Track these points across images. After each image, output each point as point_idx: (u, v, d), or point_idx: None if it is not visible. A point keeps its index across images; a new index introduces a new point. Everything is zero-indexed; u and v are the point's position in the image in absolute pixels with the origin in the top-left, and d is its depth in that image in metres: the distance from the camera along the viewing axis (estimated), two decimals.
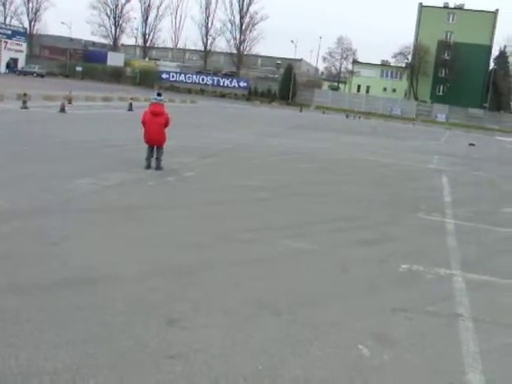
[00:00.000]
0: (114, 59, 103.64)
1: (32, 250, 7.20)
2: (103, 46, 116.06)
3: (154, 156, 14.48)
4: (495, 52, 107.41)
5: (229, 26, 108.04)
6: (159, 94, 14.95)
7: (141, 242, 8.06)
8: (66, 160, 14.56)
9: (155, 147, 14.48)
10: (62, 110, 29.06)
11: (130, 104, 36.37)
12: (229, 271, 7.19)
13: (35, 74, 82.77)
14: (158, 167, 14.40)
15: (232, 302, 6.14)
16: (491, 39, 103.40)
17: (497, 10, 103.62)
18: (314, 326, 5.76)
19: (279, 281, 7.04)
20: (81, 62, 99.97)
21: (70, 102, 33.95)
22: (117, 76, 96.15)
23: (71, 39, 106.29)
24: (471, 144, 39.43)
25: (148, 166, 14.37)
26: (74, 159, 14.78)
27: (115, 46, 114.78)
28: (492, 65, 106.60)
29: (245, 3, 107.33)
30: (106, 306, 5.72)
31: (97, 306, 5.68)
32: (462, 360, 5.40)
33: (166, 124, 14.60)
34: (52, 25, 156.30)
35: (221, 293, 6.39)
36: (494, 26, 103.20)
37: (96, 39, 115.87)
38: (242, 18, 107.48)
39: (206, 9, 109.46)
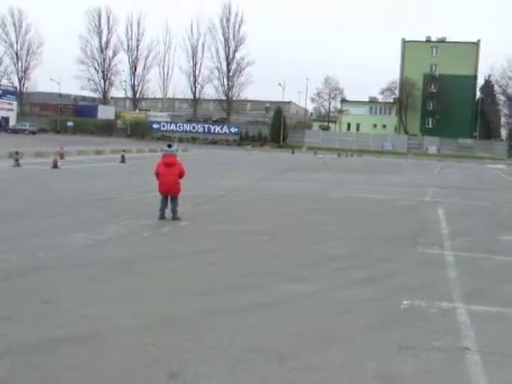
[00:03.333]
0: (105, 112, 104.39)
1: (24, 309, 7.08)
2: (93, 99, 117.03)
3: (170, 207, 14.51)
4: (480, 81, 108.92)
5: (216, 73, 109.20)
6: (170, 146, 15.13)
7: (136, 296, 7.94)
8: (59, 215, 14.49)
9: (169, 198, 14.54)
10: (55, 165, 29.12)
11: (123, 156, 36.51)
12: (228, 319, 7.06)
13: (27, 132, 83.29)
14: (175, 218, 14.45)
15: (233, 351, 6.02)
16: (475, 69, 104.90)
17: (478, 41, 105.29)
18: (319, 370, 5.63)
19: (280, 326, 6.91)
20: (71, 117, 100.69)
21: (62, 158, 34.04)
22: (108, 129, 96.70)
23: (61, 95, 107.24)
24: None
25: (162, 217, 14.39)
26: (67, 214, 14.71)
27: (105, 99, 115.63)
28: (478, 94, 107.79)
29: (231, 50, 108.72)
30: (103, 362, 5.59)
31: (94, 364, 5.54)
32: None
33: (181, 174, 14.73)
34: (41, 82, 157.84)
35: (221, 342, 6.26)
36: (477, 56, 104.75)
37: (86, 93, 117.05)
38: (228, 64, 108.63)
39: (192, 57, 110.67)
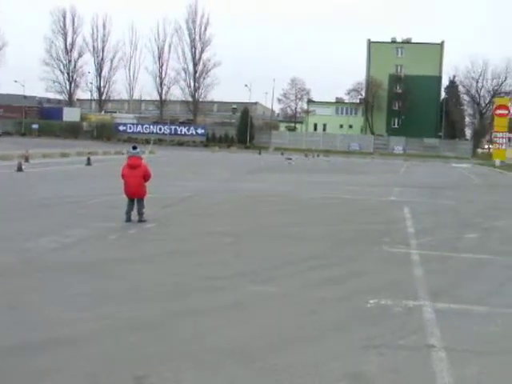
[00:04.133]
0: (70, 114, 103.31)
1: None
2: (58, 101, 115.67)
3: (136, 210, 14.43)
4: (445, 82, 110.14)
5: (183, 74, 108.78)
6: (134, 148, 15.07)
7: (103, 299, 7.87)
8: (25, 219, 14.31)
9: (135, 200, 14.46)
10: (20, 169, 28.71)
11: (88, 159, 36.20)
12: (195, 321, 7.04)
13: None
14: (141, 220, 14.37)
15: (201, 353, 6.00)
16: (440, 70, 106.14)
17: (442, 42, 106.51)
18: (287, 370, 5.63)
19: (247, 327, 6.91)
20: (36, 120, 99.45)
21: (27, 161, 33.64)
22: (74, 131, 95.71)
23: (25, 97, 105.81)
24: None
25: (128, 219, 14.31)
26: (33, 218, 14.54)
27: (71, 102, 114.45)
28: (443, 94, 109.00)
29: (197, 51, 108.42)
30: (68, 367, 5.53)
31: (59, 369, 5.48)
32: None
33: (146, 176, 14.64)
34: (5, 83, 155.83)
35: (188, 344, 6.24)
36: (441, 57, 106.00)
37: (51, 95, 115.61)
38: (195, 65, 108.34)
39: (159, 59, 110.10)
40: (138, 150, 15.08)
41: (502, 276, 10.33)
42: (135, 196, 14.45)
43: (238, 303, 7.89)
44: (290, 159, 46.06)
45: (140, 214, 14.46)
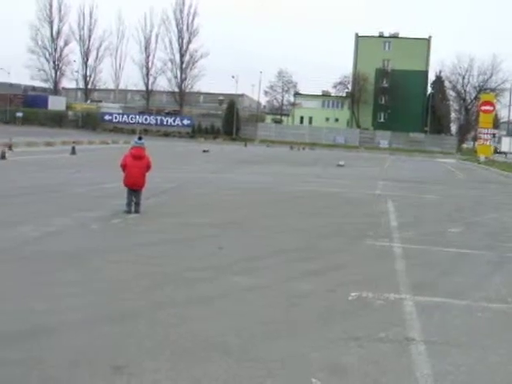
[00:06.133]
0: (56, 103, 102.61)
1: None
2: (44, 90, 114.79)
3: (134, 200, 14.31)
4: (432, 77, 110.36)
5: (169, 64, 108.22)
6: (140, 138, 14.97)
7: (83, 289, 7.82)
8: (7, 207, 14.21)
9: (134, 191, 14.37)
10: (3, 157, 28.57)
11: (73, 148, 35.94)
12: (175, 312, 7.01)
13: None
14: (137, 211, 14.27)
15: (180, 344, 5.97)
16: (427, 65, 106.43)
17: (430, 37, 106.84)
18: (266, 362, 5.63)
19: (227, 319, 6.89)
20: (21, 108, 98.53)
21: (10, 149, 33.41)
22: (59, 120, 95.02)
23: (10, 84, 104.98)
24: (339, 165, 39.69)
25: (129, 211, 14.17)
26: (14, 206, 14.44)
27: (56, 90, 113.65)
28: (430, 89, 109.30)
29: (184, 42, 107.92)
30: (47, 358, 5.48)
31: (37, 359, 5.43)
32: None
33: (148, 167, 14.59)
34: None
35: (167, 335, 6.21)
36: (428, 52, 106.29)
37: (36, 83, 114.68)
38: (182, 56, 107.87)
39: (145, 49, 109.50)
40: (143, 140, 14.97)
41: (483, 270, 10.38)
42: (136, 187, 14.29)
43: (219, 295, 7.87)
44: (207, 151, 47.28)
45: (137, 204, 14.35)
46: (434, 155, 78.58)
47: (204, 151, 46.05)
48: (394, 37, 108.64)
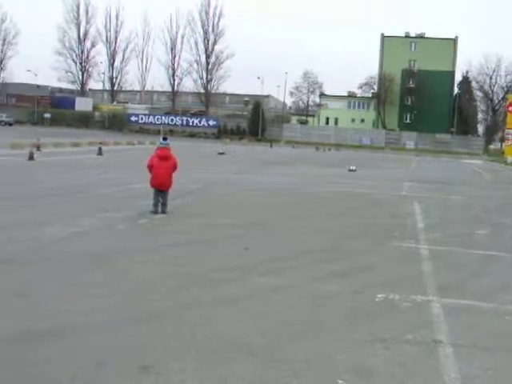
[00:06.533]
0: (82, 104, 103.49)
1: None
2: (71, 91, 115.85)
3: (161, 201, 14.41)
4: (458, 77, 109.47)
5: (195, 66, 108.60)
6: (165, 139, 15.14)
7: (109, 289, 7.87)
8: (34, 208, 14.34)
9: (161, 192, 14.47)
10: (31, 157, 28.81)
11: (100, 149, 36.19)
12: (200, 312, 7.03)
13: (3, 123, 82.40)
14: (164, 211, 14.36)
15: (206, 344, 5.99)
16: (453, 65, 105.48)
17: (456, 37, 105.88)
18: (291, 363, 5.62)
19: (252, 319, 6.90)
20: (49, 109, 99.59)
21: (38, 150, 33.73)
22: (85, 121, 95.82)
23: (38, 86, 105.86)
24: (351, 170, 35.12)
25: (156, 212, 14.26)
26: (42, 207, 14.57)
27: (83, 91, 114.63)
28: (456, 90, 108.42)
29: (210, 43, 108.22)
30: (75, 356, 5.54)
31: (66, 358, 5.49)
32: None
33: (175, 168, 14.68)
34: (18, 72, 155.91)
35: (194, 335, 6.24)
36: (455, 53, 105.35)
37: (63, 85, 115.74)
38: (207, 57, 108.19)
39: (171, 50, 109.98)
40: (168, 141, 15.05)
41: (511, 272, 10.28)
42: (163, 187, 14.38)
43: (245, 295, 7.88)
44: (223, 153, 44.59)
45: (164, 205, 14.44)
46: (460, 156, 77.89)
47: (219, 153, 44.11)
48: (420, 37, 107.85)
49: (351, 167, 34.75)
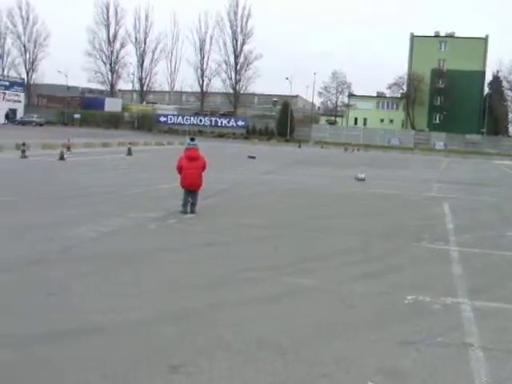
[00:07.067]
0: (112, 105, 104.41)
1: (28, 301, 7.09)
2: (100, 92, 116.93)
3: (190, 201, 14.55)
4: (489, 77, 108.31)
5: (224, 66, 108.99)
6: (193, 139, 15.24)
7: (141, 288, 7.93)
8: (65, 208, 14.47)
9: (191, 192, 14.60)
10: (62, 157, 29.13)
11: (129, 149, 36.46)
12: (231, 312, 7.07)
13: (34, 124, 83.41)
14: (193, 211, 14.49)
15: (235, 344, 6.01)
16: (484, 65, 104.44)
17: (487, 36, 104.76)
18: (320, 364, 5.62)
19: (282, 319, 6.90)
20: (79, 110, 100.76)
21: (69, 150, 34.07)
22: (115, 121, 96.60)
23: (68, 87, 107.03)
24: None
25: (185, 212, 14.38)
26: (72, 207, 14.69)
27: (112, 92, 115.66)
28: (487, 90, 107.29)
29: (238, 43, 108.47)
30: (107, 355, 5.59)
31: (98, 356, 5.55)
32: None
33: (204, 167, 14.80)
34: (48, 74, 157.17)
35: (224, 335, 6.26)
36: (485, 52, 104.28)
37: (93, 86, 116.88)
38: (236, 57, 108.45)
39: (200, 50, 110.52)
40: (196, 141, 15.15)
41: None
42: (193, 188, 14.51)
43: (275, 296, 7.88)
44: (254, 157, 40.42)
45: (193, 205, 14.55)
46: (490, 157, 76.99)
47: (250, 157, 40.47)
48: (450, 36, 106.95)
49: (360, 175, 28.22)
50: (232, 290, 8.09)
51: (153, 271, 8.91)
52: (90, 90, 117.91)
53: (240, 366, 5.50)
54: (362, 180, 27.54)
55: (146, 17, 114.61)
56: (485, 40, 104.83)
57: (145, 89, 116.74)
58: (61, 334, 6.08)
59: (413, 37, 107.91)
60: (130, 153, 35.82)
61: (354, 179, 27.56)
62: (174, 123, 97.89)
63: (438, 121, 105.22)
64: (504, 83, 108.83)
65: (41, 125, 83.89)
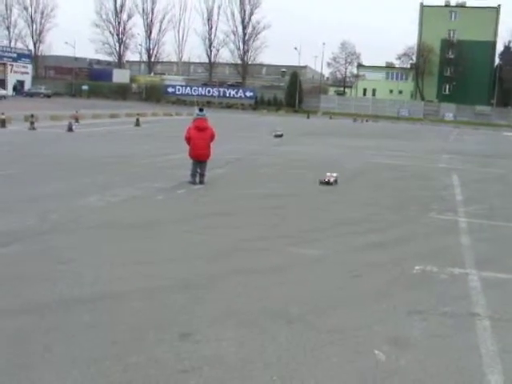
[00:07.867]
0: (120, 76, 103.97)
1: (40, 270, 7.17)
2: (108, 63, 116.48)
3: (199, 171, 14.63)
4: (500, 47, 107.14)
5: (232, 36, 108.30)
6: (201, 110, 15.27)
7: (150, 257, 8.00)
8: (74, 178, 14.52)
9: (200, 163, 14.68)
10: (70, 129, 29.16)
11: (137, 120, 36.43)
12: (239, 281, 7.12)
13: (42, 95, 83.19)
14: (202, 182, 14.60)
15: (244, 313, 6.07)
16: (495, 35, 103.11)
17: (499, 6, 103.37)
18: (328, 333, 5.67)
19: (290, 289, 6.95)
20: (86, 81, 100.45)
21: (77, 121, 34.06)
22: (123, 93, 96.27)
23: (76, 58, 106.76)
24: None
25: (194, 182, 14.48)
26: (81, 177, 14.74)
27: (120, 63, 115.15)
28: (497, 60, 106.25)
29: (246, 13, 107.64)
30: (116, 322, 5.66)
31: (107, 324, 5.62)
32: (480, 361, 5.29)
33: (212, 138, 14.90)
34: (56, 45, 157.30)
35: (232, 304, 6.32)
36: (497, 22, 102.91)
37: (100, 57, 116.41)
38: (244, 28, 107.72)
39: (208, 21, 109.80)
40: (205, 112, 15.15)
41: None
42: (202, 158, 14.62)
43: (282, 265, 7.93)
44: (281, 135, 33.40)
45: (202, 175, 14.65)
46: (500, 128, 76.49)
47: (276, 136, 33.51)
48: (461, 6, 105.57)
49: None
50: (241, 260, 8.14)
51: (161, 241, 8.97)
52: (98, 62, 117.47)
53: (249, 334, 5.55)
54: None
55: None
56: (496, 10, 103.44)
57: (152, 60, 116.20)
58: (71, 301, 6.15)
59: (422, 7, 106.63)
60: (138, 124, 35.79)
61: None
62: (182, 94, 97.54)
63: (447, 92, 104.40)
64: None
65: (48, 96, 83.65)
